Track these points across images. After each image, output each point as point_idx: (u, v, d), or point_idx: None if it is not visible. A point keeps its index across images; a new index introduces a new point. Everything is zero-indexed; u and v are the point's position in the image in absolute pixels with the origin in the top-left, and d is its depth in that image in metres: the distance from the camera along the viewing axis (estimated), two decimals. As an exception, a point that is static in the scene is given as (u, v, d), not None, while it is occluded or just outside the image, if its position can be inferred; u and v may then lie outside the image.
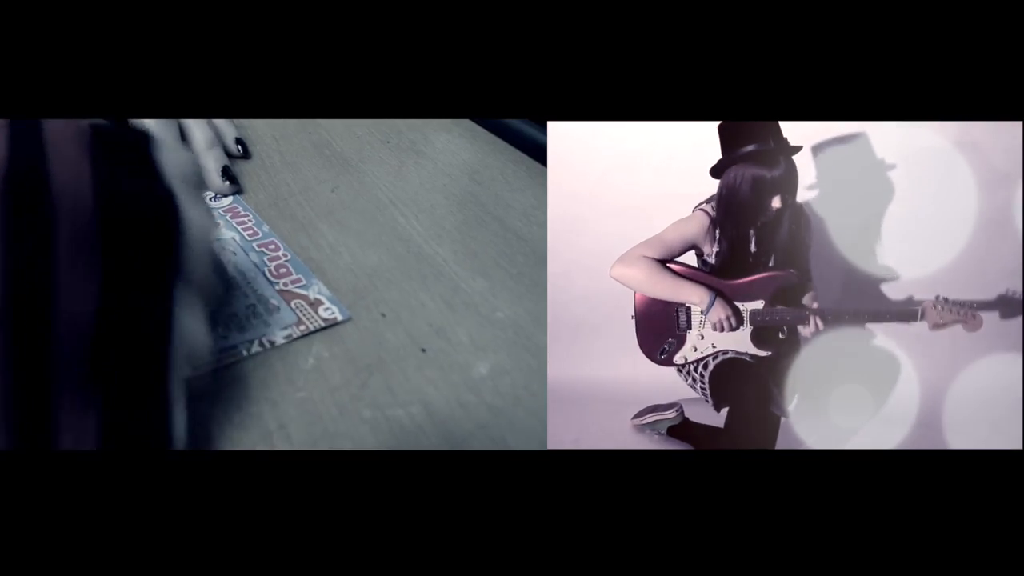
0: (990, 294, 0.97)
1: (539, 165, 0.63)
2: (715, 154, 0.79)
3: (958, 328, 1.04)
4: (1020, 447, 0.82)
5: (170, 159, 0.28)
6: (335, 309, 0.43)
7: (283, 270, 0.46)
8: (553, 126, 0.96)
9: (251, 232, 0.50)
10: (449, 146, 0.65)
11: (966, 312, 0.74)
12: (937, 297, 0.75)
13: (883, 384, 1.01)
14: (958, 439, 0.88)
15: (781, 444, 0.82)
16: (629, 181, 1.14)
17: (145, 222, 0.25)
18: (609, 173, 1.14)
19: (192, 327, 0.28)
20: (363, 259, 0.48)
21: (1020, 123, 0.94)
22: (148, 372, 0.27)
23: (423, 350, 0.41)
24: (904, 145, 1.02)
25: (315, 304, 0.43)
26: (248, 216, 0.51)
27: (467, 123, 0.71)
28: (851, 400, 0.98)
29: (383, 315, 0.43)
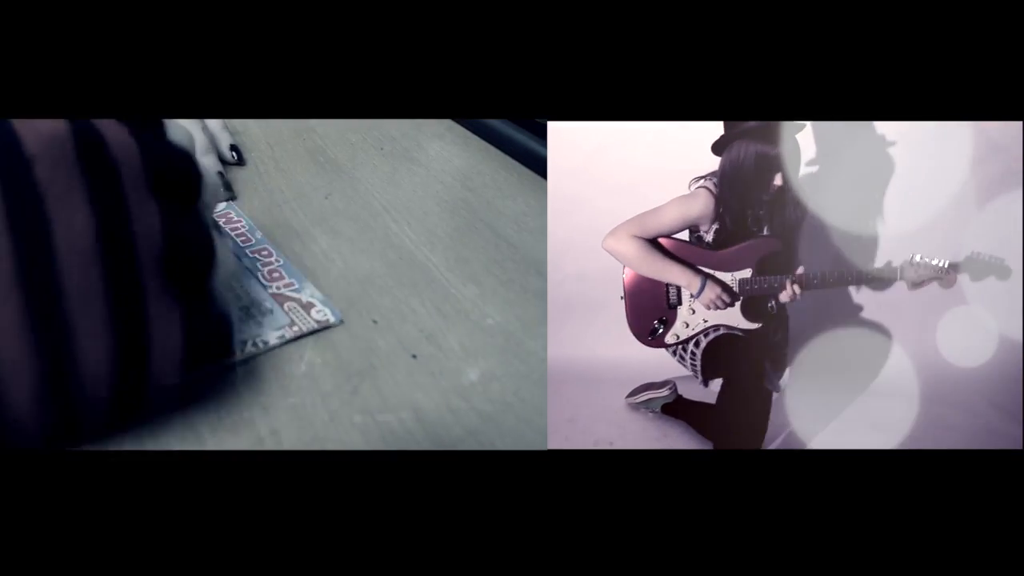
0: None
1: (531, 172, 0.64)
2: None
3: (959, 328, 1.01)
4: (1020, 447, 0.82)
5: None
6: (327, 311, 0.44)
7: (276, 274, 0.46)
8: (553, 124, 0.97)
9: (244, 239, 0.50)
10: (442, 153, 0.66)
11: (941, 268, 0.75)
12: (911, 255, 0.76)
13: (874, 360, 1.01)
14: (959, 438, 0.88)
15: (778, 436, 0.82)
16: (623, 158, 1.13)
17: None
18: (603, 150, 1.13)
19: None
20: (356, 266, 0.49)
21: (1020, 123, 0.93)
22: (207, 281, 0.33)
23: (414, 356, 0.41)
24: (903, 125, 1.01)
25: (307, 306, 0.44)
26: (241, 222, 0.52)
27: (460, 130, 0.71)
28: (843, 376, 0.98)
29: (375, 321, 0.44)
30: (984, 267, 0.81)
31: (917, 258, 0.76)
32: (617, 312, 0.87)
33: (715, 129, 0.79)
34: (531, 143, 0.65)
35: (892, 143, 1.04)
